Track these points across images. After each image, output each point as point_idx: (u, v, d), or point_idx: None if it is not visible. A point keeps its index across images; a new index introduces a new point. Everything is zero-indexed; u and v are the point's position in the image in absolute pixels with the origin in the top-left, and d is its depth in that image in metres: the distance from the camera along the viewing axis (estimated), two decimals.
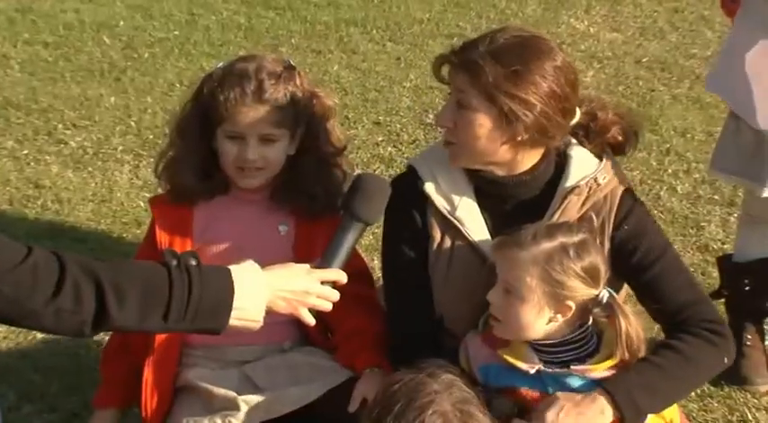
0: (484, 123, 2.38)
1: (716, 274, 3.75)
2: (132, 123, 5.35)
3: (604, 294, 2.36)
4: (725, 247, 4.24)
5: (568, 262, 2.31)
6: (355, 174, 2.57)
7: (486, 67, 2.34)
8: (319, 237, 2.62)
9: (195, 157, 2.64)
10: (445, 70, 2.48)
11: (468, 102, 2.39)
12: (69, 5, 6.80)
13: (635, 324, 2.36)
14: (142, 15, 6.67)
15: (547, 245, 2.32)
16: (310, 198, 2.68)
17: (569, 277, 2.31)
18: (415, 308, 2.56)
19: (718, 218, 4.49)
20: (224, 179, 2.69)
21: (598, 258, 2.36)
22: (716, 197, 4.64)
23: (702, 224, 4.44)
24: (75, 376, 3.55)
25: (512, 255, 2.34)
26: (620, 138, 2.58)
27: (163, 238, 2.66)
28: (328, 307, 2.25)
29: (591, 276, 2.34)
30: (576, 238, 2.35)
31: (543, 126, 2.39)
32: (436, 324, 2.57)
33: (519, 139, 2.40)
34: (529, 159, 2.48)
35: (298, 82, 2.63)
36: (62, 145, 5.15)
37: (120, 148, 5.11)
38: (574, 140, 2.56)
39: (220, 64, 2.67)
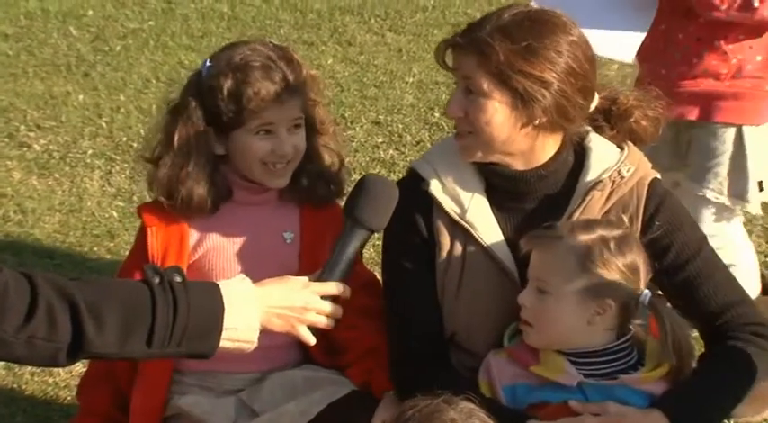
0: (498, 108, 2.40)
1: None
2: (103, 124, 5.36)
3: (646, 294, 2.39)
4: None
5: (608, 255, 2.35)
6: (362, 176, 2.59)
7: (495, 45, 2.36)
8: (326, 242, 2.63)
9: (206, 167, 2.65)
10: (449, 57, 2.49)
11: (478, 86, 2.40)
12: None
13: (683, 326, 2.39)
14: (113, 3, 6.70)
15: (585, 237, 2.36)
16: (326, 180, 2.74)
17: (609, 271, 2.35)
18: (421, 324, 2.57)
19: (759, 228, 4.50)
20: (228, 185, 2.70)
21: (639, 257, 2.40)
22: None
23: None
24: (43, 407, 3.56)
25: (547, 247, 2.38)
26: (643, 123, 2.60)
27: (157, 250, 2.67)
28: (330, 324, 2.27)
29: (632, 273, 2.38)
30: (617, 233, 2.39)
31: (563, 107, 2.41)
32: (447, 342, 2.59)
33: (537, 122, 2.42)
34: (548, 149, 2.50)
35: (299, 60, 2.70)
36: (25, 149, 5.16)
37: (90, 151, 5.13)
38: (591, 130, 2.58)
39: (208, 61, 2.67)
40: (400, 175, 4.83)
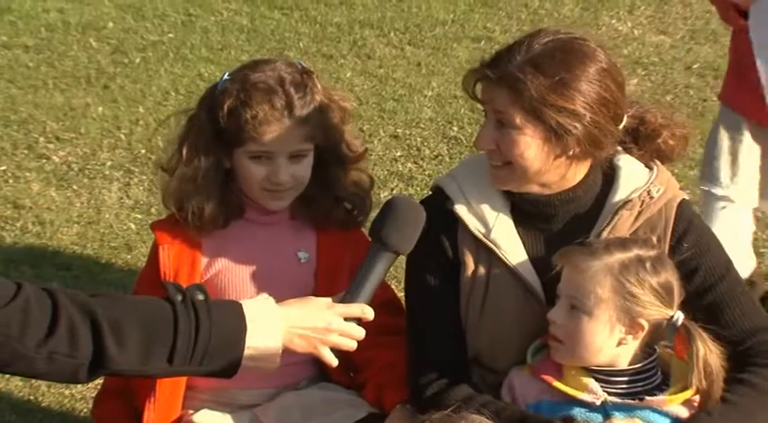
0: (531, 142, 2.40)
1: None
2: (122, 136, 5.38)
3: (679, 316, 2.39)
4: None
5: (644, 274, 2.35)
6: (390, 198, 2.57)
7: (527, 80, 2.35)
8: (344, 264, 2.64)
9: (215, 183, 2.64)
10: (478, 88, 2.48)
11: (510, 120, 2.39)
12: (52, 5, 6.85)
13: (715, 350, 2.38)
14: (133, 16, 6.72)
15: (621, 255, 2.36)
16: (341, 206, 2.71)
17: (645, 291, 2.35)
18: (443, 340, 2.56)
19: None
20: (239, 202, 2.69)
21: (673, 278, 2.41)
22: None
23: (762, 251, 4.43)
24: (60, 419, 3.56)
25: (582, 264, 2.37)
26: (671, 142, 2.59)
27: (169, 268, 2.66)
28: (352, 346, 2.25)
29: (666, 293, 2.38)
30: (653, 253, 2.39)
31: (595, 137, 2.41)
32: (469, 362, 2.58)
33: (570, 153, 2.42)
34: (578, 175, 2.50)
35: (319, 88, 2.66)
36: (44, 160, 5.18)
37: (109, 163, 5.14)
38: (620, 149, 2.57)
39: (226, 75, 2.66)
40: (418, 189, 4.87)
